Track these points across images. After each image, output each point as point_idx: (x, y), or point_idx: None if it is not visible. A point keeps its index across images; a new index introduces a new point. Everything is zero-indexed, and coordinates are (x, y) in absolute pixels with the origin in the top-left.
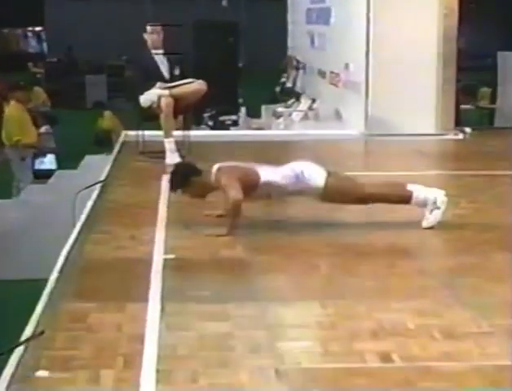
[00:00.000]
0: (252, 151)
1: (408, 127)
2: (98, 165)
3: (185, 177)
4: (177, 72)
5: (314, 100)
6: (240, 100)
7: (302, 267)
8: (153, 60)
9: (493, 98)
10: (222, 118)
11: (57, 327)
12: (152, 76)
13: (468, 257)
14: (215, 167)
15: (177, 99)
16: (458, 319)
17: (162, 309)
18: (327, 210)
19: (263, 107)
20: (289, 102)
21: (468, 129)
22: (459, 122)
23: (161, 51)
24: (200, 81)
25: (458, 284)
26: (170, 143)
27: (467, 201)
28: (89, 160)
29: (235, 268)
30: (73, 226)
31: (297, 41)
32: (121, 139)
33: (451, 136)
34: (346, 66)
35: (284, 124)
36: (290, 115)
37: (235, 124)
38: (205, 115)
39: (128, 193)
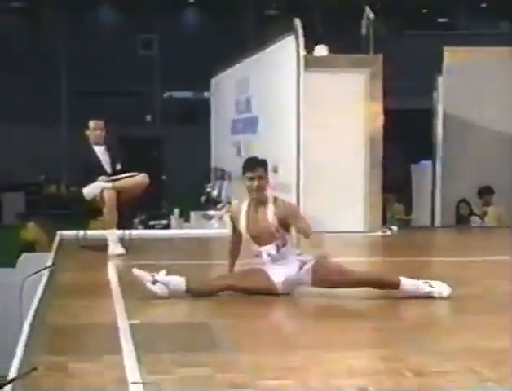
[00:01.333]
0: (192, 245)
1: (340, 225)
2: (37, 261)
3: None
4: (118, 166)
5: None
6: (164, 211)
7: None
8: (95, 156)
9: (408, 211)
10: (152, 222)
11: (37, 374)
12: (94, 172)
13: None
14: None
15: (120, 192)
16: None
17: (139, 359)
18: None
19: (192, 213)
20: (219, 206)
21: (394, 228)
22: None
23: (103, 147)
24: (143, 174)
25: None
26: (113, 235)
27: None
28: (26, 257)
29: (197, 329)
30: (20, 314)
31: (222, 152)
32: (56, 239)
33: (380, 233)
34: (275, 169)
35: (218, 223)
36: (221, 218)
37: (166, 228)
38: (136, 220)
39: (77, 276)
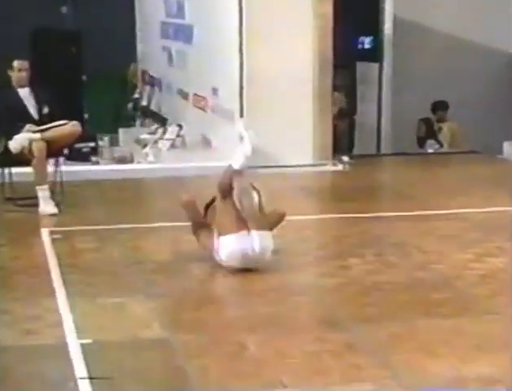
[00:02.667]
0: (136, 192)
1: (285, 158)
2: None
3: None
4: (45, 110)
5: (181, 126)
6: (86, 115)
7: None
8: (19, 100)
9: (352, 109)
10: (78, 146)
11: None
12: (19, 118)
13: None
14: None
15: (49, 142)
16: None
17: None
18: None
19: (121, 131)
20: (153, 127)
21: (346, 158)
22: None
23: (27, 89)
24: (74, 123)
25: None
26: (44, 191)
27: (372, 253)
28: None
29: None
30: None
31: (150, 54)
32: None
33: (330, 166)
34: (215, 91)
35: (153, 153)
36: (156, 142)
37: (94, 152)
38: None
39: (9, 255)
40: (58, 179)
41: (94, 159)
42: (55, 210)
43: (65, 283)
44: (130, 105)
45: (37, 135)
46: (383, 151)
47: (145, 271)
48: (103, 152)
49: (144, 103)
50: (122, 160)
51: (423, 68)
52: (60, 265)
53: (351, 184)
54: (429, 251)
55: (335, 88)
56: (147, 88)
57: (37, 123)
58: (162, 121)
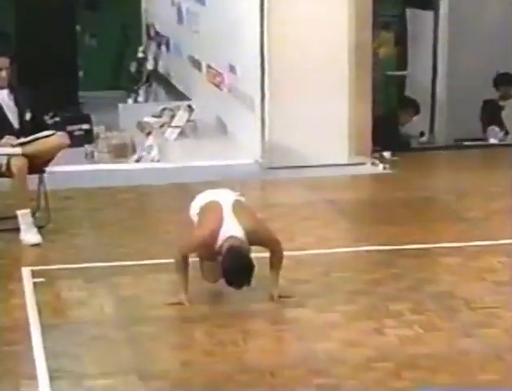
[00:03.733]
0: (136, 207)
1: (314, 156)
2: None
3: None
4: (28, 116)
5: (191, 109)
6: (81, 73)
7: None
8: None
9: (402, 64)
10: (70, 128)
11: None
12: None
13: None
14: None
15: (32, 158)
16: None
17: None
18: None
19: (121, 107)
20: (159, 108)
21: (387, 155)
22: None
23: (5, 92)
24: (60, 134)
25: None
26: (25, 216)
27: (411, 309)
28: None
29: None
30: None
31: (158, 8)
32: None
33: (367, 167)
34: (232, 69)
35: (158, 146)
36: (162, 126)
37: (87, 136)
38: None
39: None
40: (42, 194)
41: (88, 149)
42: (37, 240)
43: (47, 356)
44: (134, 66)
45: (17, 150)
46: (436, 125)
47: (141, 337)
48: (99, 142)
49: (150, 66)
50: (121, 150)
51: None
52: (42, 327)
53: (393, 195)
54: (479, 306)
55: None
56: (153, 47)
57: (17, 133)
58: (172, 93)
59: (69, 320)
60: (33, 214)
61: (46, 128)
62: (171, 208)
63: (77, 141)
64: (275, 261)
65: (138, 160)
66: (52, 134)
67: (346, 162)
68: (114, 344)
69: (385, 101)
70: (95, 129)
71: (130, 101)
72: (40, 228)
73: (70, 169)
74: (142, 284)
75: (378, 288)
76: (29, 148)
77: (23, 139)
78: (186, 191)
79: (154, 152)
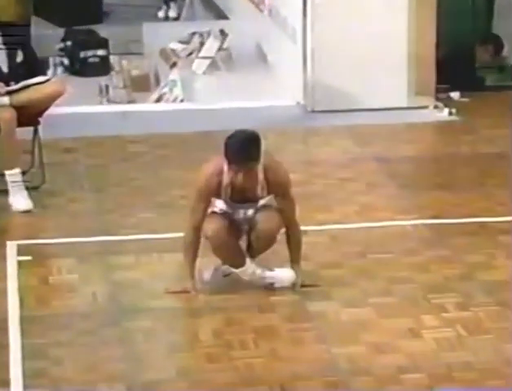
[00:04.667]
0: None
1: (366, 98)
2: None
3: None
4: (20, 57)
5: (224, 34)
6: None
7: None
8: None
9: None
10: (83, 54)
11: None
12: None
13: None
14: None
15: (22, 109)
16: None
17: None
18: None
19: (145, 27)
20: (187, 33)
21: (455, 95)
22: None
23: None
24: (57, 80)
25: None
26: (14, 177)
27: (455, 304)
28: None
29: None
30: None
31: None
32: None
33: (430, 112)
34: None
35: (181, 80)
36: (190, 55)
37: (103, 64)
38: (57, 47)
39: None
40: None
41: (102, 82)
42: (27, 205)
43: (25, 356)
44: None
45: (5, 99)
46: None
47: (135, 335)
48: (115, 74)
49: (173, 12)
50: (142, 83)
51: None
52: (22, 320)
53: (457, 150)
54: None
55: None
56: None
57: (6, 78)
58: (211, 10)
59: (54, 311)
60: (25, 173)
61: (41, 72)
62: (194, 166)
63: (91, 70)
64: (293, 239)
65: (158, 100)
66: (47, 81)
67: (403, 105)
68: (102, 343)
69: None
70: (112, 59)
71: (160, 13)
72: (33, 189)
73: (72, 110)
74: (144, 266)
75: (421, 276)
76: (19, 97)
77: (12, 87)
78: (213, 142)
79: (177, 90)
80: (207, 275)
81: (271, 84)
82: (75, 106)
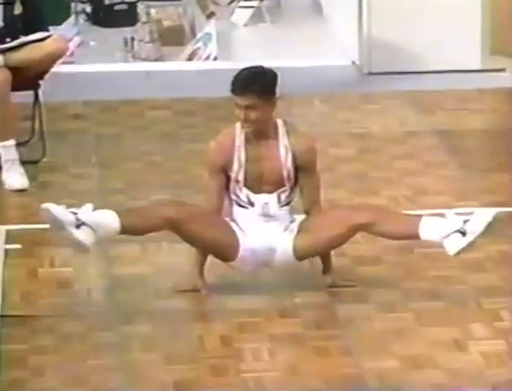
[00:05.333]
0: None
1: (432, 59)
2: None
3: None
4: (18, 10)
5: None
6: None
7: None
8: None
9: None
10: (109, 0)
11: None
12: None
13: None
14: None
15: (18, 70)
16: None
17: None
18: None
19: None
20: None
21: None
22: None
23: None
24: (58, 37)
25: None
26: (8, 150)
27: None
28: None
29: None
30: None
31: None
32: None
33: (507, 75)
34: None
35: (217, 34)
36: (230, 3)
37: (130, 13)
38: None
39: None
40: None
41: (128, 34)
42: (22, 184)
43: (1, 365)
44: None
45: None
46: None
47: (131, 342)
48: (142, 25)
49: None
50: (175, 35)
51: None
52: (3, 321)
53: None
54: None
55: None
56: None
57: (1, 34)
58: None
59: (41, 312)
60: (23, 144)
61: (43, 27)
62: None
63: (116, 19)
64: None
65: (190, 58)
66: (47, 37)
67: (475, 67)
68: (92, 350)
69: None
70: (140, 7)
71: None
72: (32, 163)
73: (84, 69)
74: (151, 258)
75: (475, 275)
76: (15, 56)
77: (8, 45)
78: None
79: (212, 45)
80: None
81: (324, 40)
82: (93, 63)
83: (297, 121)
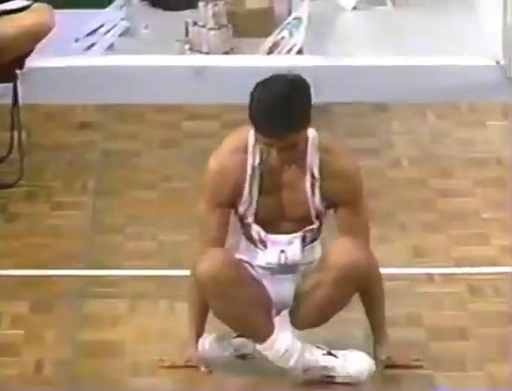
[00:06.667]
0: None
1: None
2: None
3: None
4: None
5: None
6: None
7: None
8: None
9: None
10: None
11: None
12: None
13: None
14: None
15: None
16: None
17: None
18: None
19: None
20: None
21: None
22: None
23: None
24: (41, 7)
25: None
26: None
27: None
28: None
29: None
30: None
31: None
32: None
33: None
34: None
35: (309, 19)
36: None
37: None
38: None
39: None
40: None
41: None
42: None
43: None
44: None
45: None
46: None
47: None
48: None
49: None
50: (259, 22)
51: None
52: None
53: None
54: None
55: None
56: None
57: None
58: None
59: None
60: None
61: None
62: None
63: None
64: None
65: (271, 50)
66: (27, 7)
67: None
68: None
69: None
70: None
71: None
72: (4, 188)
73: (108, 62)
74: (139, 319)
75: None
76: None
77: None
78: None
79: (299, 34)
80: (205, 346)
81: (463, 32)
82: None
83: (396, 140)
